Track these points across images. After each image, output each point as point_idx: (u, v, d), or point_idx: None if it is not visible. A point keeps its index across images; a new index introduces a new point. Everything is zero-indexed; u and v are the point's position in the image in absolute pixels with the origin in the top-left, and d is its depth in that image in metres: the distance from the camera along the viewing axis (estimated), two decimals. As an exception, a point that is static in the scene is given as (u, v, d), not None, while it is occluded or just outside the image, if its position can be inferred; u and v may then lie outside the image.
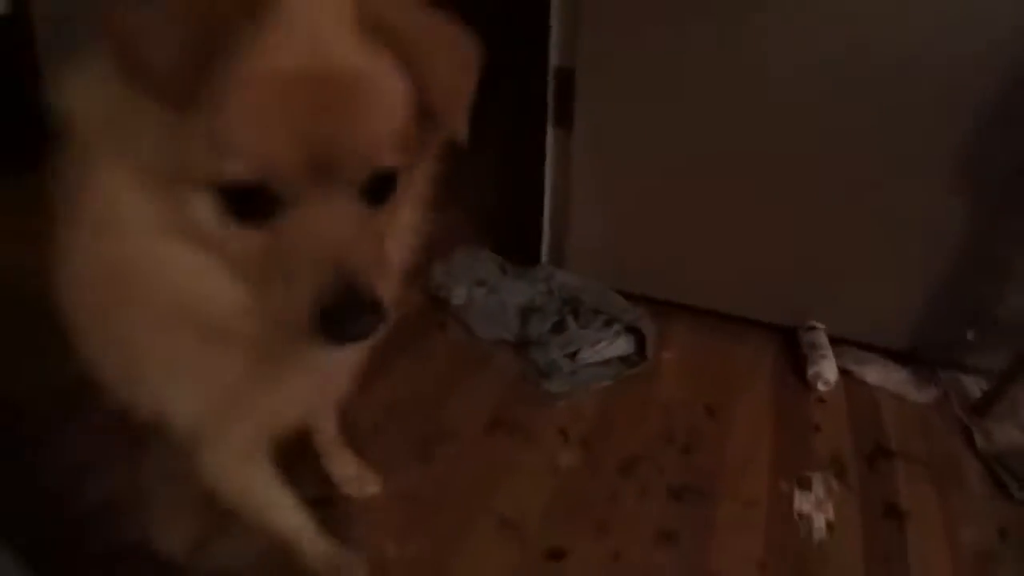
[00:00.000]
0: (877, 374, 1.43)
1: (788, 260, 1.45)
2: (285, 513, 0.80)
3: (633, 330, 1.37)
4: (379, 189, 0.49)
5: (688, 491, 1.10)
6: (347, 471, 1.03)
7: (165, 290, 0.51)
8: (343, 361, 0.70)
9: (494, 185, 1.85)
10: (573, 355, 1.31)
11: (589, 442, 1.18)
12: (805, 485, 1.14)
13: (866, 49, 1.21)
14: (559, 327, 1.37)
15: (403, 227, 0.58)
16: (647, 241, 1.52)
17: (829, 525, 1.08)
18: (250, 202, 0.45)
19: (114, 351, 0.59)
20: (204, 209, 0.45)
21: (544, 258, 1.60)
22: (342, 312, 0.46)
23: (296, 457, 0.92)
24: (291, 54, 0.43)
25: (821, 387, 1.35)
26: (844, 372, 1.41)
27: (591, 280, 1.51)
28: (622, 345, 1.35)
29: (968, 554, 1.05)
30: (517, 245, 1.63)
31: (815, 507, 1.11)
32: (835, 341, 1.46)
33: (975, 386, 1.41)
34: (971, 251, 1.33)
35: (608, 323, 1.37)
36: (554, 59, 1.45)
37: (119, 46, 0.40)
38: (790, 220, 1.41)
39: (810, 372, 1.36)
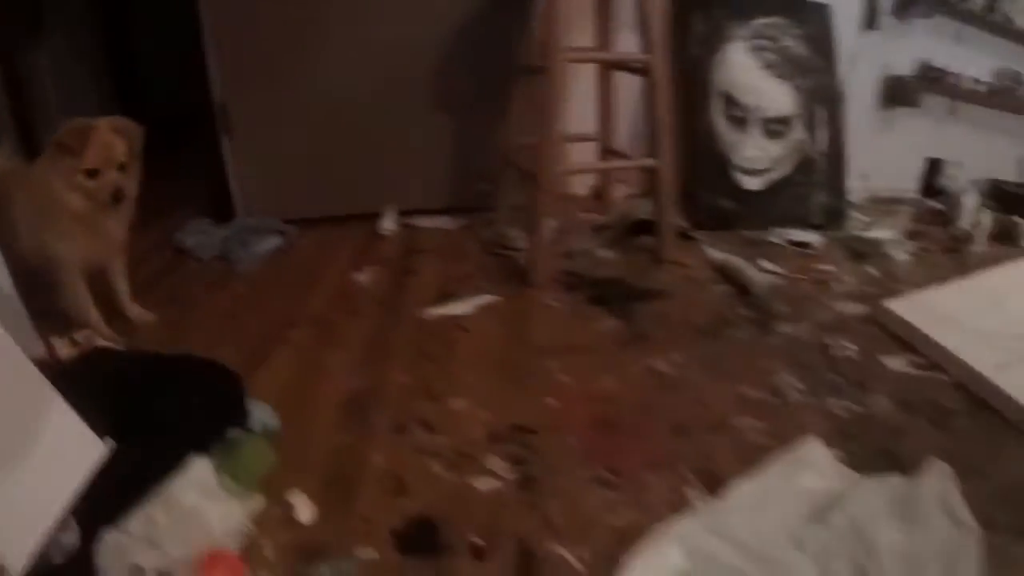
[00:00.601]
0: (426, 221, 2.59)
1: (369, 174, 2.63)
2: (90, 307, 1.85)
3: (281, 232, 2.52)
4: (123, 168, 1.64)
5: (302, 285, 2.21)
6: (136, 312, 2.00)
7: (64, 203, 1.65)
8: (118, 226, 1.80)
9: (204, 178, 2.91)
10: (249, 250, 2.45)
11: (257, 284, 2.27)
12: (362, 271, 2.27)
13: (389, 44, 2.46)
14: (243, 242, 2.49)
15: (132, 179, 1.72)
16: (291, 187, 2.64)
17: (373, 284, 2.22)
18: (92, 174, 1.61)
19: (38, 233, 1.72)
20: (82, 177, 1.60)
21: (239, 213, 2.72)
22: (116, 193, 1.65)
23: (114, 314, 2.00)
24: (100, 140, 1.62)
25: (384, 232, 2.51)
26: (407, 225, 2.59)
27: (264, 217, 2.65)
28: (275, 240, 2.48)
29: (446, 279, 2.20)
30: (222, 210, 2.69)
31: (367, 278, 2.24)
32: (407, 213, 2.63)
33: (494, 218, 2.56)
34: (464, 142, 2.57)
35: (268, 231, 2.51)
36: (216, 97, 2.58)
37: (60, 144, 1.60)
38: (366, 150, 2.58)
39: (378, 226, 2.54)
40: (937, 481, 1.60)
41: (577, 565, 1.24)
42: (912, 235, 3.07)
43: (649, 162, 2.33)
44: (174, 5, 2.64)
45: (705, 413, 1.72)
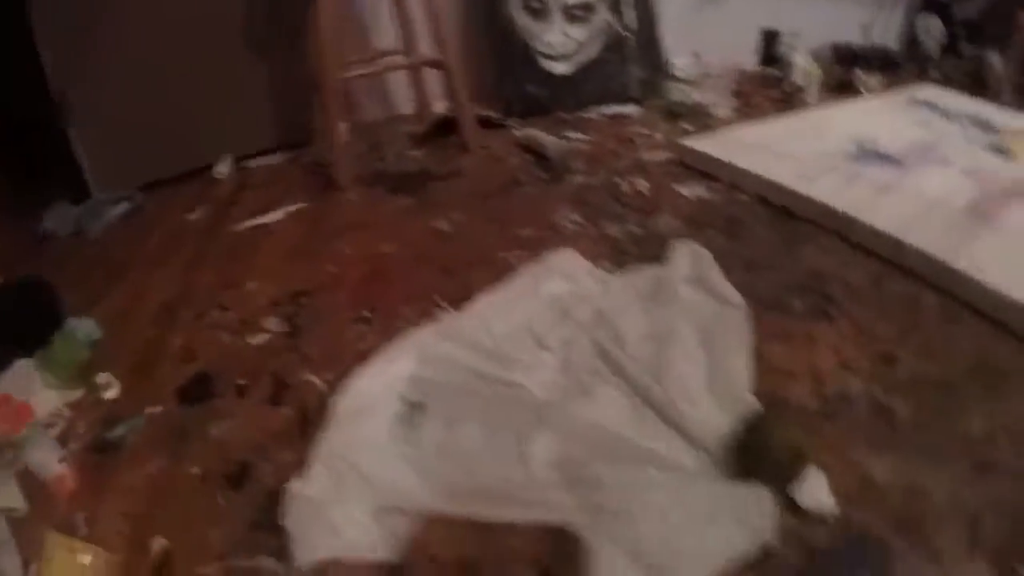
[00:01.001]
0: (259, 161, 2.89)
1: (204, 130, 2.88)
2: None
3: (130, 199, 2.81)
4: None
5: (141, 235, 2.52)
6: None
7: None
8: None
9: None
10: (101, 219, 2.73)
11: (104, 244, 2.55)
12: (194, 211, 2.60)
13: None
14: (96, 214, 2.78)
15: None
16: (136, 157, 2.86)
17: (201, 219, 2.55)
18: None
19: None
20: None
21: (94, 192, 2.99)
22: None
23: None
24: None
25: (218, 176, 2.80)
26: (242, 169, 2.88)
27: (117, 190, 2.93)
28: (124, 206, 2.76)
29: (266, 202, 2.50)
30: (79, 193, 2.95)
31: (198, 215, 2.56)
32: (245, 158, 2.92)
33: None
34: (282, 81, 2.86)
35: (117, 201, 2.80)
36: (53, 84, 2.81)
37: None
38: (196, 108, 2.81)
39: (213, 171, 2.83)
40: (690, 261, 1.77)
41: (321, 386, 1.54)
42: (739, 95, 3.27)
43: (431, 56, 2.59)
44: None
45: (475, 254, 1.98)
